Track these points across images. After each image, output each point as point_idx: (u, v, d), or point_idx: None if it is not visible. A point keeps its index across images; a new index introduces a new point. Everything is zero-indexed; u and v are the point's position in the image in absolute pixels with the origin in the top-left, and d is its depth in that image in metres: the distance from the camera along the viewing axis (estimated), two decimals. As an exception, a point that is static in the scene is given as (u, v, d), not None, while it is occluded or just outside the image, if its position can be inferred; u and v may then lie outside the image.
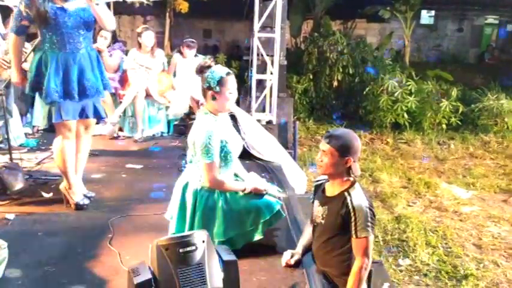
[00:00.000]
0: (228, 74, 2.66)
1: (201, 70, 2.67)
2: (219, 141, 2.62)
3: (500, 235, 5.24)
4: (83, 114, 3.32)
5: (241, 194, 2.73)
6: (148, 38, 5.45)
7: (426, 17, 18.34)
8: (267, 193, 2.78)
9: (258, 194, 2.75)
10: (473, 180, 7.01)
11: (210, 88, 2.63)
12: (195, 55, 5.93)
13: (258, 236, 2.74)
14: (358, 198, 2.23)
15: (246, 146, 4.47)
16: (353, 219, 2.20)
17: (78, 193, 3.41)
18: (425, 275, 4.39)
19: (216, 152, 2.60)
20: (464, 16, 18.58)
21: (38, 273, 2.55)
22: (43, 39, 3.15)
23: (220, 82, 2.62)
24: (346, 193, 2.27)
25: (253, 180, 2.83)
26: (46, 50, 3.14)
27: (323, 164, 2.30)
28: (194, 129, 2.70)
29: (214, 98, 2.65)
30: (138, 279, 1.86)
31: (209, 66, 2.65)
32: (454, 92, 9.51)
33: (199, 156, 2.61)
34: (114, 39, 5.69)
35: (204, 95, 2.71)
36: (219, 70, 2.65)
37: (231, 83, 2.67)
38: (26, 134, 5.19)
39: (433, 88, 9.62)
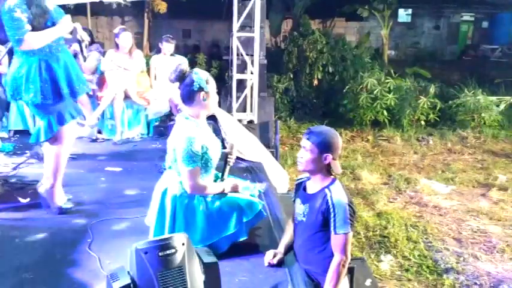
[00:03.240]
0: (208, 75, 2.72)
1: (182, 76, 2.65)
2: (201, 147, 2.59)
3: (480, 229, 5.33)
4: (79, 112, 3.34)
5: (221, 195, 2.71)
6: (126, 38, 5.38)
7: (403, 15, 18.61)
8: (246, 190, 2.79)
9: (238, 193, 2.76)
10: (452, 175, 7.13)
11: (201, 89, 2.63)
12: (172, 54, 5.88)
13: (241, 238, 2.72)
14: (338, 194, 2.24)
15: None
16: (332, 215, 2.22)
17: (62, 196, 3.36)
18: (407, 270, 4.44)
19: (197, 158, 2.58)
20: (440, 14, 18.89)
21: (16, 280, 2.49)
22: None
23: (208, 81, 2.67)
24: (326, 189, 2.28)
25: (231, 179, 2.84)
26: (40, 55, 3.04)
27: (303, 161, 2.32)
28: (174, 135, 2.67)
29: (205, 99, 2.65)
30: (117, 285, 1.83)
31: (188, 71, 2.66)
32: (432, 89, 9.67)
33: (180, 162, 2.58)
34: (91, 40, 5.60)
35: (190, 98, 2.66)
36: (201, 71, 2.70)
37: (214, 82, 2.73)
38: (1, 139, 5.08)
39: (411, 85, 9.76)
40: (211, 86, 2.69)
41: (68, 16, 3.14)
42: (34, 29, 2.97)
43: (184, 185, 2.61)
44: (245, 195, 2.78)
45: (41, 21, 2.97)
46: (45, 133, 3.14)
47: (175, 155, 2.62)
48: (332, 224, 2.22)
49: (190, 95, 2.65)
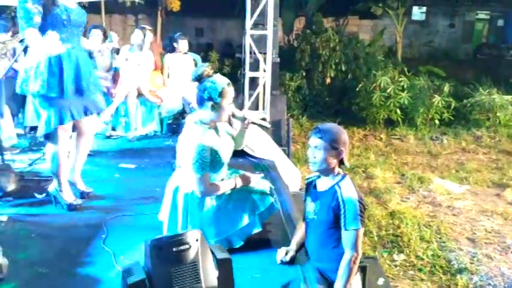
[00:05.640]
0: (228, 84, 2.65)
1: (200, 79, 2.64)
2: (210, 154, 2.59)
3: (494, 229, 5.27)
4: (87, 112, 3.34)
5: (233, 190, 2.73)
6: (134, 36, 5.50)
7: (418, 13, 18.43)
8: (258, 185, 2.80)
9: (249, 186, 2.77)
10: (466, 175, 7.05)
11: (210, 99, 2.60)
12: (185, 52, 5.92)
13: (255, 230, 2.74)
14: (348, 190, 2.25)
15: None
16: (343, 211, 2.22)
17: (70, 194, 3.39)
18: (420, 269, 4.41)
19: (207, 164, 2.58)
20: (455, 12, 18.67)
21: (31, 275, 2.53)
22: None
23: (222, 93, 2.61)
24: (336, 186, 2.28)
25: (242, 174, 2.85)
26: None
27: (317, 160, 2.31)
28: (184, 138, 2.68)
29: (213, 109, 2.63)
30: (131, 279, 1.85)
31: (208, 76, 2.63)
32: (446, 88, 9.56)
33: (190, 169, 2.58)
34: (105, 38, 5.66)
35: (201, 103, 2.66)
36: (220, 81, 2.63)
37: (231, 94, 2.67)
38: (17, 135, 5.15)
39: (425, 84, 9.67)
40: (225, 98, 2.62)
41: (55, 35, 3.06)
42: (47, 20, 3.02)
43: (194, 189, 2.63)
44: (257, 188, 2.80)
45: (47, 12, 3.01)
46: (44, 128, 3.20)
47: (185, 159, 2.63)
48: (342, 221, 2.23)
49: (200, 100, 2.65)
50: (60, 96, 3.14)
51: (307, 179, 2.56)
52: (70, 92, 3.17)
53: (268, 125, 3.51)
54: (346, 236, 2.23)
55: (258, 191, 2.78)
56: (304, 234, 2.57)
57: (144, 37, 5.51)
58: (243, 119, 2.79)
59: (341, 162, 2.33)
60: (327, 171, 2.34)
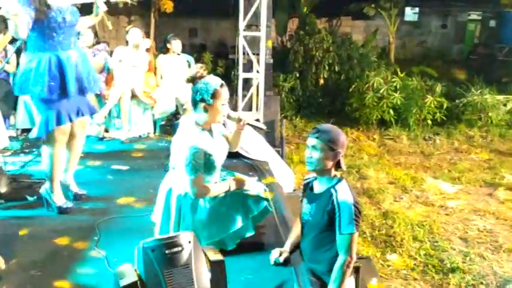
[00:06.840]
0: (221, 85, 2.63)
1: (193, 80, 2.62)
2: (203, 156, 2.58)
3: (486, 228, 5.31)
4: (79, 113, 3.33)
5: (227, 193, 2.72)
6: (132, 35, 5.46)
7: (410, 13, 18.48)
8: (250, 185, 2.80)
9: (243, 189, 2.77)
10: (458, 175, 7.09)
11: (203, 100, 2.59)
12: (178, 53, 5.91)
13: (249, 233, 2.75)
14: (343, 194, 2.25)
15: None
16: (338, 215, 2.22)
17: (61, 197, 3.38)
18: (413, 269, 4.43)
19: (200, 166, 2.57)
20: (447, 12, 18.76)
21: (24, 278, 2.52)
22: (44, 40, 3.10)
23: (214, 95, 2.58)
24: (332, 189, 2.28)
25: (237, 177, 2.85)
26: (51, 51, 3.11)
27: (313, 160, 2.31)
28: (178, 139, 2.67)
29: (206, 111, 2.61)
30: (124, 282, 1.85)
31: (201, 77, 2.61)
32: (439, 88, 9.60)
33: (183, 170, 2.58)
34: (96, 39, 5.65)
35: (194, 105, 2.65)
36: (212, 82, 2.60)
37: (224, 94, 2.64)
38: (9, 137, 5.11)
39: (418, 84, 9.70)
40: (218, 99, 2.60)
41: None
42: (43, 24, 3.02)
43: (188, 190, 2.62)
44: (251, 192, 2.79)
45: (43, 17, 3.01)
46: (39, 129, 3.20)
47: (179, 161, 2.62)
48: (337, 224, 2.23)
49: (193, 101, 2.64)
50: (63, 97, 3.15)
51: (305, 179, 2.57)
52: (74, 94, 3.19)
53: (264, 126, 3.51)
54: (341, 240, 2.23)
55: (252, 194, 2.77)
56: (299, 236, 2.58)
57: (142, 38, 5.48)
58: (238, 120, 2.78)
59: (338, 165, 2.34)
60: (322, 171, 2.34)
